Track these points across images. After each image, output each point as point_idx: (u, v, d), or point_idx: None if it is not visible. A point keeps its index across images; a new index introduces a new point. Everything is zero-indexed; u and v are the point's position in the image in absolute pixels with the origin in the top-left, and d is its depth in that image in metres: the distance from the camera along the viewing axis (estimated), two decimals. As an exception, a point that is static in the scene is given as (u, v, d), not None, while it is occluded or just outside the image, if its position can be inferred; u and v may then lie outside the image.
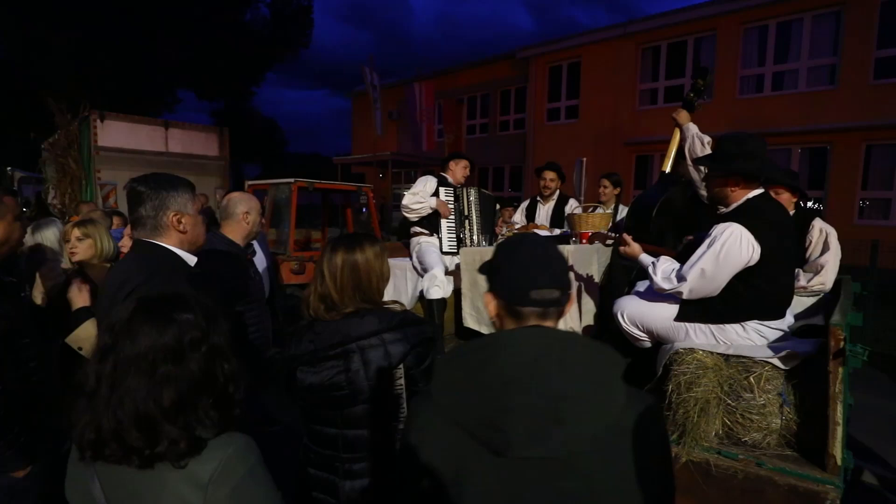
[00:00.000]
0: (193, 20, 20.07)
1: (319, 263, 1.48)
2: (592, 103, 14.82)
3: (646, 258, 2.37)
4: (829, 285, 2.72)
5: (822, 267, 2.68)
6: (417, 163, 17.31)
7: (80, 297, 1.98)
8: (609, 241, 2.69)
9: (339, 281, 1.43)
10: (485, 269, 1.08)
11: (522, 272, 0.98)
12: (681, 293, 2.18)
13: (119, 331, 0.92)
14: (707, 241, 2.12)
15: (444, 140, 17.99)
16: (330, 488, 1.46)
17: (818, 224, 2.81)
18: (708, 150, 2.95)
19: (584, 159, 6.96)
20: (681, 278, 2.16)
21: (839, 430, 1.76)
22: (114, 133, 7.48)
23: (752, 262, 2.06)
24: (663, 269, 2.26)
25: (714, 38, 12.72)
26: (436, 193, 3.81)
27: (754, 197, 2.15)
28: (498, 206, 4.10)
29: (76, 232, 2.57)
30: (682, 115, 3.14)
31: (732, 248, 2.04)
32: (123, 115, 7.85)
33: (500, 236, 3.85)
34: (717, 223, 2.14)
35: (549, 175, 4.26)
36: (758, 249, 2.03)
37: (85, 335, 1.86)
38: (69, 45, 16.54)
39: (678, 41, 13.41)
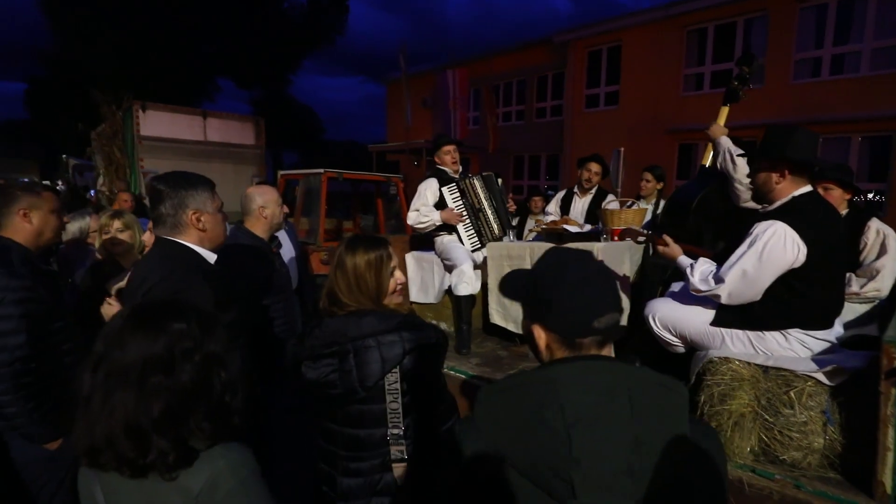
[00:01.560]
0: (232, 8, 20.47)
1: (332, 262, 1.48)
2: (633, 89, 14.26)
3: (684, 260, 2.25)
4: (885, 292, 2.51)
5: (878, 272, 2.47)
6: (451, 151, 17.19)
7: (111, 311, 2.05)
8: (641, 239, 2.56)
9: (345, 279, 1.44)
10: (525, 298, 0.96)
11: (580, 301, 0.88)
12: (718, 296, 2.05)
13: (110, 340, 0.92)
14: (748, 241, 1.97)
15: (478, 128, 17.80)
16: (331, 482, 1.48)
17: (874, 224, 2.59)
18: (740, 165, 2.74)
19: (622, 149, 6.68)
20: (719, 280, 2.03)
21: (890, 456, 1.62)
22: (155, 123, 7.74)
23: (797, 265, 1.90)
24: (702, 271, 2.13)
25: (766, 19, 11.96)
26: (440, 196, 3.63)
27: (801, 195, 1.98)
28: (500, 181, 3.90)
29: (116, 223, 2.65)
30: (715, 129, 2.94)
31: (776, 247, 1.89)
32: (164, 105, 8.11)
33: (515, 228, 3.68)
34: (760, 221, 1.99)
35: (595, 168, 4.04)
36: (803, 250, 1.88)
37: None
38: (113, 37, 17.20)
39: (727, 23, 12.68)
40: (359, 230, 6.84)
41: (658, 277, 2.99)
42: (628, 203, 3.97)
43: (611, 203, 3.95)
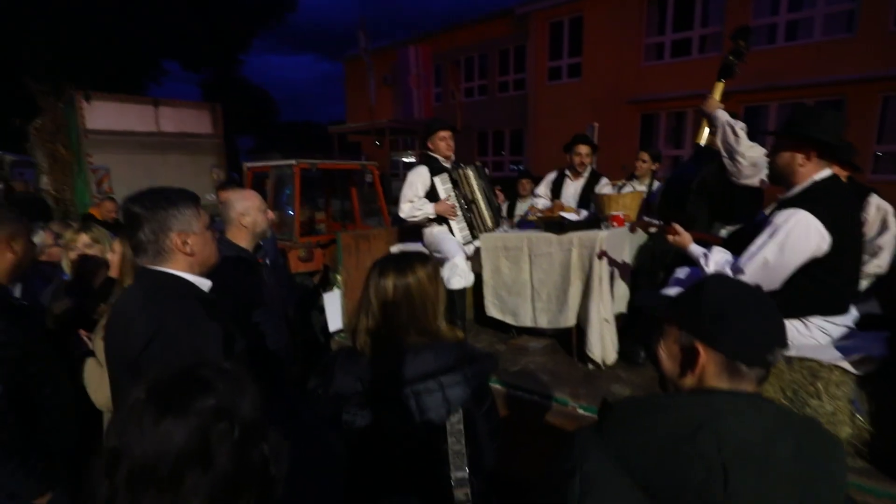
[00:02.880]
0: (173, -16, 19.09)
1: (366, 291, 1.30)
2: (596, 61, 14.21)
3: (696, 249, 2.17)
4: (885, 268, 2.52)
5: (881, 248, 2.48)
6: (416, 130, 16.82)
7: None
8: (652, 229, 2.48)
9: (392, 311, 1.26)
10: (692, 315, 0.91)
11: (762, 327, 0.86)
12: (736, 288, 1.98)
13: (129, 432, 0.73)
14: (769, 230, 1.90)
15: (442, 104, 17.43)
16: None
17: (874, 201, 2.59)
18: (743, 137, 2.68)
19: (596, 125, 6.65)
20: (737, 270, 1.96)
21: (924, 444, 1.61)
22: (102, 115, 7.10)
23: (820, 254, 1.85)
24: (716, 261, 2.06)
25: (725, -14, 12.05)
26: (432, 186, 3.44)
27: (822, 179, 1.92)
28: (487, 171, 3.77)
29: (84, 238, 2.35)
30: (711, 103, 2.84)
31: (799, 237, 1.83)
32: (110, 94, 7.45)
33: (505, 217, 3.56)
34: (780, 209, 1.92)
35: (584, 149, 3.88)
36: (827, 239, 1.82)
37: (88, 377, 1.72)
38: (44, 19, 15.73)
39: (686, -10, 12.72)
40: (332, 221, 6.56)
41: (659, 262, 2.93)
42: (619, 185, 3.90)
43: (605, 187, 3.86)
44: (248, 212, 2.20)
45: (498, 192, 3.80)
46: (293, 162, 4.78)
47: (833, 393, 1.83)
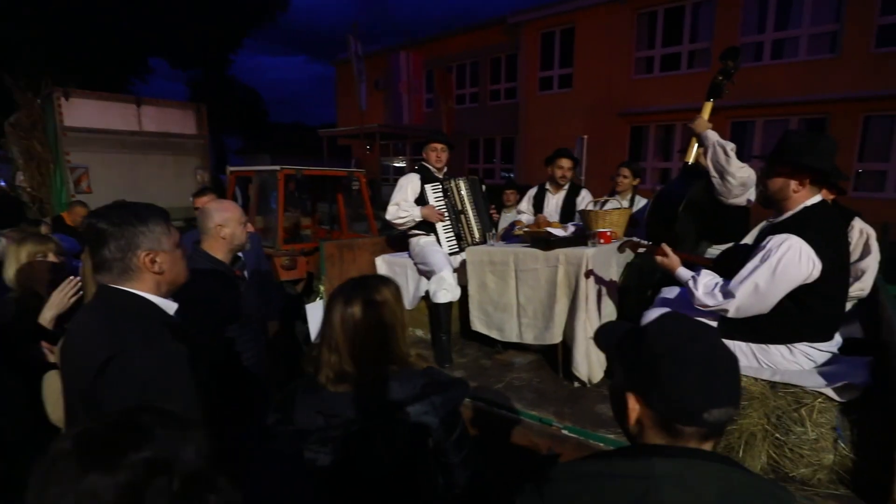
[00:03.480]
0: (163, -18, 18.86)
1: (329, 322, 1.22)
2: (587, 72, 14.34)
3: (684, 272, 2.15)
4: (867, 291, 2.54)
5: (863, 272, 2.49)
6: (406, 135, 16.80)
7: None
8: (641, 249, 2.46)
9: (361, 340, 1.19)
10: (623, 359, 0.87)
11: (698, 386, 0.77)
12: (726, 311, 1.96)
13: (50, 491, 0.66)
14: (760, 255, 1.89)
15: (433, 111, 17.42)
16: None
17: (858, 224, 2.60)
18: (734, 157, 2.68)
19: (586, 137, 6.67)
20: (727, 294, 1.94)
21: (907, 475, 1.59)
22: (81, 112, 6.92)
23: (810, 280, 1.84)
24: (705, 284, 2.04)
25: (713, 4, 12.25)
26: (422, 193, 3.46)
27: (813, 205, 1.91)
28: (483, 188, 3.77)
29: (52, 246, 2.26)
30: (700, 123, 2.84)
31: (790, 263, 1.81)
32: (90, 91, 7.26)
33: (494, 233, 3.53)
34: (772, 233, 1.91)
35: (566, 163, 3.91)
36: (818, 266, 1.81)
37: (47, 392, 1.62)
38: (24, 11, 15.39)
39: (675, 6, 12.90)
40: (318, 227, 6.47)
41: (647, 279, 2.92)
42: (602, 201, 3.89)
43: (587, 203, 3.86)
44: (226, 223, 2.12)
45: (493, 210, 3.79)
46: (277, 168, 4.70)
47: (817, 420, 1.82)
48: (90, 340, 1.16)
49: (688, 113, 12.50)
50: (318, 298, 3.65)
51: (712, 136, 2.75)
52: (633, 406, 0.83)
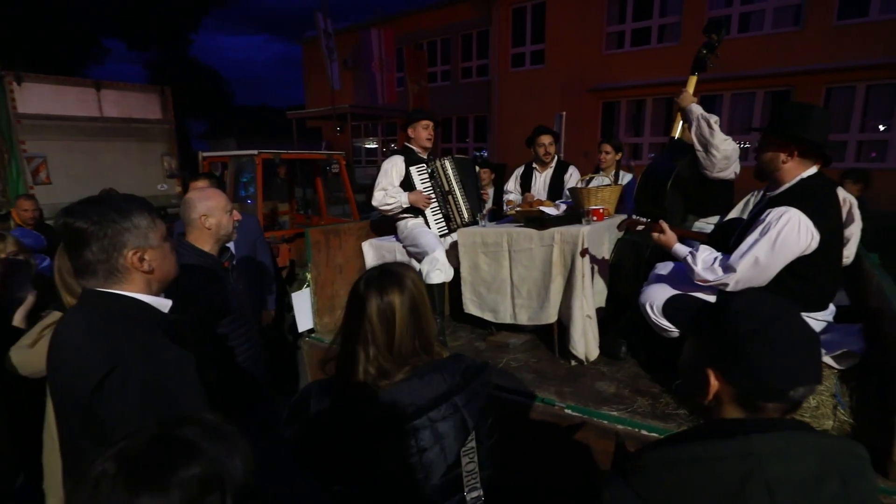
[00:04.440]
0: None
1: (362, 317, 1.14)
2: (558, 48, 14.26)
3: (682, 248, 2.16)
4: (852, 258, 2.60)
5: (848, 240, 2.54)
6: (378, 115, 16.45)
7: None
8: (640, 227, 2.45)
9: (401, 331, 1.14)
10: (702, 334, 0.87)
11: (785, 365, 0.78)
12: (726, 285, 1.98)
13: None
14: (760, 228, 1.90)
15: (404, 90, 17.09)
16: None
17: (840, 193, 2.64)
18: (717, 130, 2.70)
19: (564, 113, 6.64)
20: (728, 269, 1.96)
21: (905, 438, 1.65)
22: (36, 97, 6.48)
23: (809, 252, 1.87)
24: (704, 259, 2.05)
25: (683, -23, 12.28)
26: (407, 175, 3.36)
27: (809, 177, 1.93)
28: (477, 168, 3.71)
29: (10, 246, 2.12)
30: (686, 97, 2.84)
31: (790, 235, 1.84)
32: (45, 76, 6.80)
33: (483, 215, 3.48)
34: (770, 206, 1.92)
35: (547, 140, 3.88)
36: (816, 237, 1.84)
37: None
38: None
39: (646, -21, 12.89)
40: (297, 213, 6.29)
41: (637, 255, 2.93)
42: (587, 179, 3.88)
43: (574, 179, 3.85)
44: (211, 212, 2.00)
45: (485, 176, 3.68)
46: (255, 152, 4.52)
47: (817, 388, 1.86)
48: (82, 353, 1.06)
49: (659, 87, 12.55)
50: (304, 286, 3.55)
51: (696, 109, 2.76)
52: (714, 382, 0.83)
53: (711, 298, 2.07)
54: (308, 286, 3.46)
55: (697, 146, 2.77)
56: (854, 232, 2.59)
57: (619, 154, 4.09)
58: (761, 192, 2.70)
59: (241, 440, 0.73)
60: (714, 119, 2.72)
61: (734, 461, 0.72)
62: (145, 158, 7.64)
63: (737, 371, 0.80)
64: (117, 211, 1.16)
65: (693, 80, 3.01)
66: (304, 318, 3.49)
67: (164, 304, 1.26)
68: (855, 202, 2.67)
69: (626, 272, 2.96)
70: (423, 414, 1.08)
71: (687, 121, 2.86)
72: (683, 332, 0.97)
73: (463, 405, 1.11)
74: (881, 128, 10.90)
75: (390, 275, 1.19)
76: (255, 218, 3.35)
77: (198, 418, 0.73)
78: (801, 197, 1.86)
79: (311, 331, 3.47)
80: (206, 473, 0.64)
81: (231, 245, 2.26)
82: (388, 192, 3.29)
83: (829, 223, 1.85)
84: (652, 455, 0.79)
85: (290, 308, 3.63)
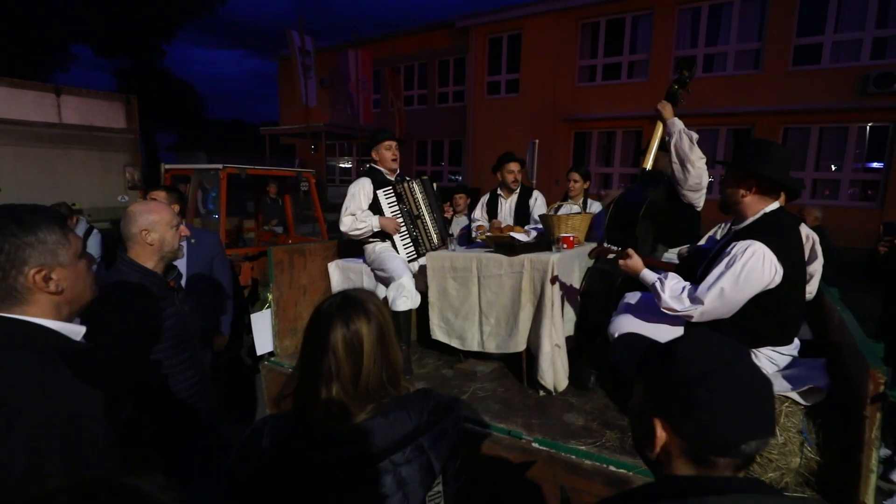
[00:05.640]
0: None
1: (326, 349, 1.03)
2: (533, 78, 14.63)
3: (650, 275, 2.14)
4: (814, 293, 2.65)
5: (811, 276, 2.59)
6: (354, 135, 16.44)
7: None
8: (611, 255, 2.43)
9: (369, 364, 1.03)
10: (650, 379, 0.80)
11: (737, 416, 0.71)
12: (691, 316, 1.97)
13: None
14: (726, 260, 1.90)
15: (381, 111, 17.15)
16: None
17: (803, 230, 2.71)
18: (696, 147, 2.77)
19: (537, 141, 6.73)
20: (695, 300, 1.94)
21: (872, 478, 1.63)
22: (-12, 100, 6.18)
23: (773, 286, 1.87)
24: (671, 288, 2.03)
25: (651, 18, 12.86)
26: (375, 199, 3.25)
27: (772, 212, 1.95)
28: (435, 186, 3.66)
29: None
30: (668, 110, 2.92)
31: (755, 268, 1.84)
32: (0, 77, 6.50)
33: (453, 239, 3.41)
34: (735, 239, 1.93)
35: (516, 167, 3.90)
36: (780, 272, 1.85)
37: None
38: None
39: (616, 18, 13.44)
40: (262, 230, 6.10)
41: (607, 283, 2.91)
42: (556, 207, 3.90)
43: (542, 205, 3.87)
44: (153, 227, 1.83)
45: (446, 207, 3.65)
46: (220, 167, 4.36)
47: (784, 424, 1.84)
48: None
49: (628, 120, 12.99)
50: (265, 307, 3.39)
51: (679, 123, 2.81)
52: (661, 434, 0.76)
53: (678, 330, 2.06)
54: (269, 307, 3.31)
55: (674, 159, 2.81)
56: (817, 268, 2.64)
57: (588, 183, 4.14)
58: (728, 225, 2.75)
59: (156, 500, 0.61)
60: (695, 136, 2.78)
61: None
62: (106, 168, 7.32)
63: (686, 422, 0.73)
64: (19, 223, 1.02)
65: (668, 105, 3.07)
66: (263, 340, 3.32)
67: (75, 331, 1.10)
68: (817, 238, 2.73)
69: (596, 301, 2.94)
70: (386, 457, 0.98)
71: (668, 133, 2.90)
72: (629, 375, 0.90)
73: (429, 446, 1.02)
74: (833, 168, 11.51)
75: (355, 302, 1.09)
76: (215, 234, 3.18)
77: (114, 482, 0.61)
78: (764, 231, 1.88)
79: (270, 354, 3.30)
80: None
81: (184, 262, 2.13)
82: (356, 216, 3.17)
83: (792, 257, 1.87)
84: None
85: (251, 330, 3.46)
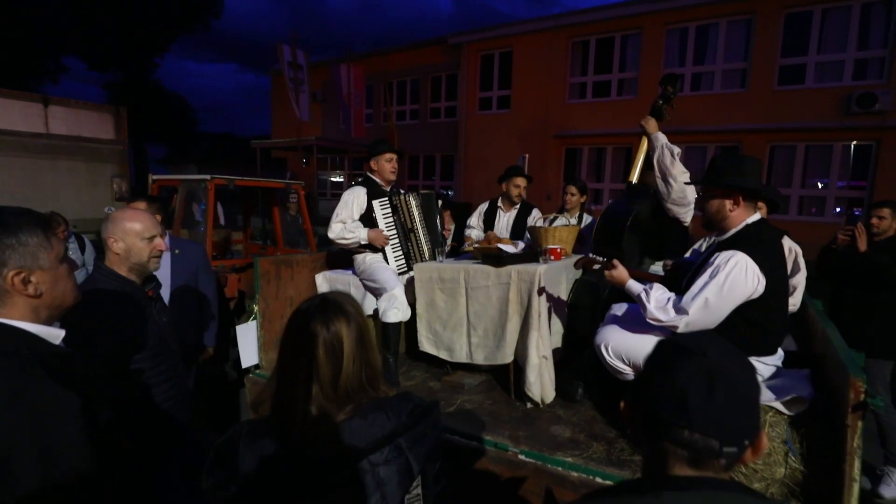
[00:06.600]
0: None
1: (304, 353, 1.02)
2: (524, 94, 14.82)
3: (635, 286, 2.14)
4: (798, 305, 2.68)
5: (795, 288, 2.63)
6: (346, 149, 16.50)
7: None
8: (596, 266, 2.44)
9: (349, 366, 1.03)
10: (651, 399, 0.82)
11: (673, 397, 0.72)
12: (676, 327, 1.97)
13: None
14: (709, 271, 1.92)
15: (373, 125, 17.25)
16: None
17: (787, 243, 2.75)
18: (678, 162, 2.81)
19: (527, 155, 6.80)
20: (680, 311, 1.95)
21: (856, 487, 1.63)
22: (-26, 109, 6.14)
23: (756, 296, 1.89)
24: (657, 298, 2.04)
25: (640, 37, 13.13)
26: (369, 208, 3.22)
27: (754, 223, 1.98)
28: (440, 202, 3.65)
29: None
30: (651, 124, 2.97)
31: (738, 279, 1.85)
32: (-14, 87, 6.49)
33: (444, 248, 3.39)
34: (719, 250, 1.95)
35: (522, 182, 3.89)
36: (762, 282, 1.86)
37: None
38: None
39: (606, 37, 13.70)
40: (251, 242, 6.07)
41: (594, 296, 2.92)
42: (551, 218, 3.91)
43: (537, 220, 3.86)
44: (121, 236, 1.77)
45: (447, 218, 3.60)
46: (207, 177, 4.35)
47: (768, 434, 1.84)
48: None
49: (618, 137, 13.17)
50: (251, 319, 3.35)
51: (662, 138, 2.85)
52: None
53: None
54: (255, 318, 3.27)
55: (657, 173, 2.85)
56: (800, 281, 2.68)
57: (584, 196, 4.15)
58: (712, 238, 2.77)
59: None
60: (677, 151, 2.81)
61: None
62: (94, 179, 7.28)
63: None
64: (0, 225, 1.03)
65: (652, 120, 3.11)
66: (248, 352, 3.27)
67: (54, 335, 1.09)
68: (800, 251, 2.78)
69: (583, 313, 2.94)
70: (364, 457, 0.97)
71: (651, 146, 2.93)
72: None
73: (408, 448, 1.01)
74: (819, 185, 11.71)
75: (334, 303, 1.09)
76: (200, 245, 3.15)
77: None
78: (746, 242, 1.90)
79: (256, 366, 3.26)
80: None
81: (168, 273, 2.09)
82: (346, 225, 3.16)
83: (775, 267, 1.89)
84: None
85: (236, 342, 3.42)
